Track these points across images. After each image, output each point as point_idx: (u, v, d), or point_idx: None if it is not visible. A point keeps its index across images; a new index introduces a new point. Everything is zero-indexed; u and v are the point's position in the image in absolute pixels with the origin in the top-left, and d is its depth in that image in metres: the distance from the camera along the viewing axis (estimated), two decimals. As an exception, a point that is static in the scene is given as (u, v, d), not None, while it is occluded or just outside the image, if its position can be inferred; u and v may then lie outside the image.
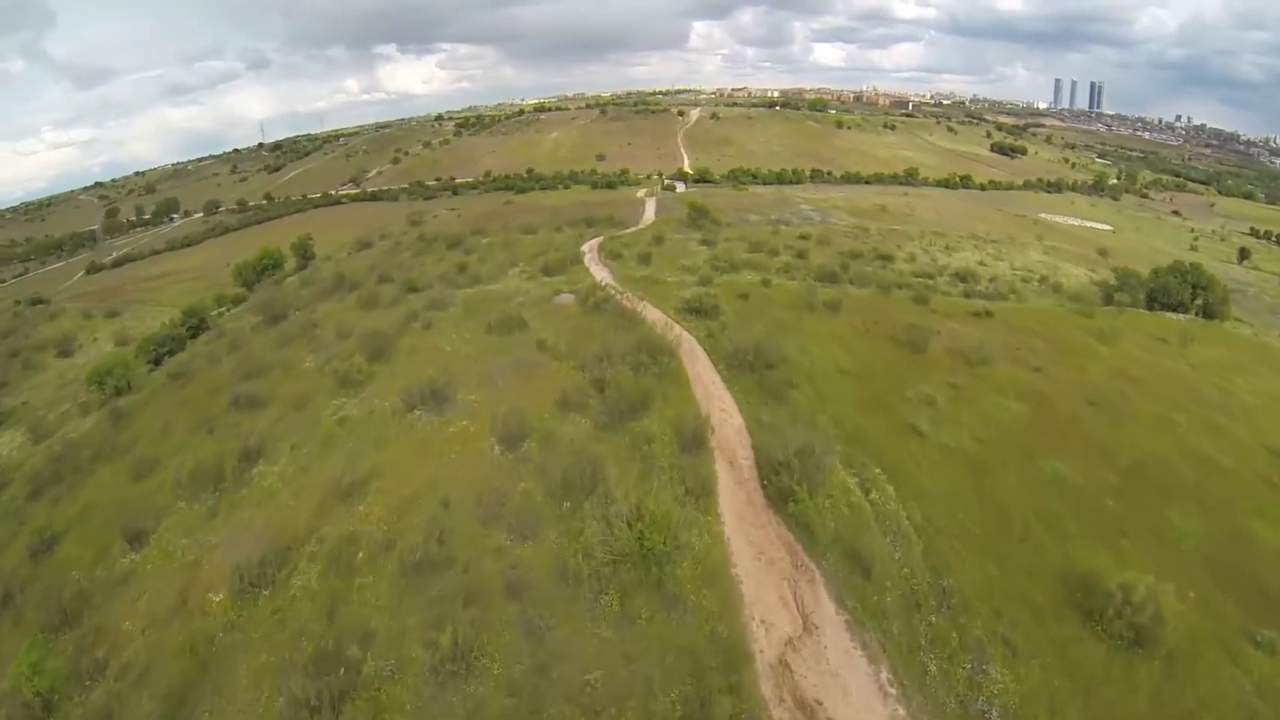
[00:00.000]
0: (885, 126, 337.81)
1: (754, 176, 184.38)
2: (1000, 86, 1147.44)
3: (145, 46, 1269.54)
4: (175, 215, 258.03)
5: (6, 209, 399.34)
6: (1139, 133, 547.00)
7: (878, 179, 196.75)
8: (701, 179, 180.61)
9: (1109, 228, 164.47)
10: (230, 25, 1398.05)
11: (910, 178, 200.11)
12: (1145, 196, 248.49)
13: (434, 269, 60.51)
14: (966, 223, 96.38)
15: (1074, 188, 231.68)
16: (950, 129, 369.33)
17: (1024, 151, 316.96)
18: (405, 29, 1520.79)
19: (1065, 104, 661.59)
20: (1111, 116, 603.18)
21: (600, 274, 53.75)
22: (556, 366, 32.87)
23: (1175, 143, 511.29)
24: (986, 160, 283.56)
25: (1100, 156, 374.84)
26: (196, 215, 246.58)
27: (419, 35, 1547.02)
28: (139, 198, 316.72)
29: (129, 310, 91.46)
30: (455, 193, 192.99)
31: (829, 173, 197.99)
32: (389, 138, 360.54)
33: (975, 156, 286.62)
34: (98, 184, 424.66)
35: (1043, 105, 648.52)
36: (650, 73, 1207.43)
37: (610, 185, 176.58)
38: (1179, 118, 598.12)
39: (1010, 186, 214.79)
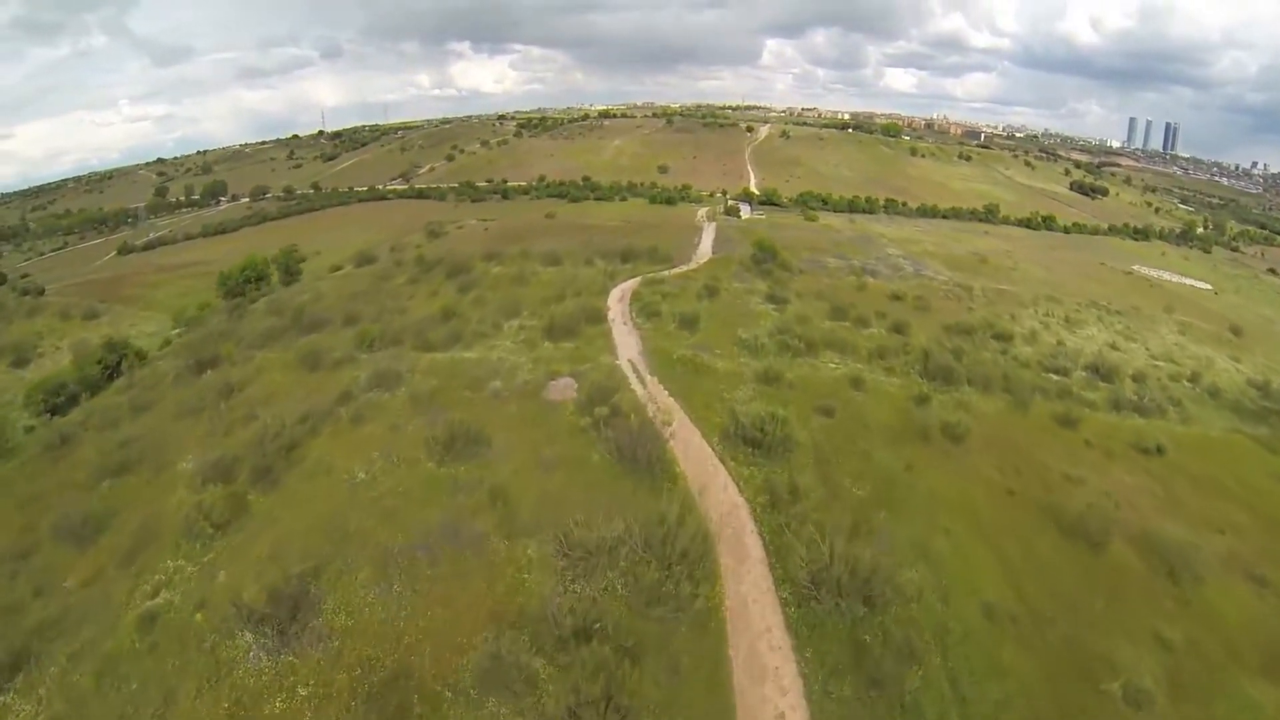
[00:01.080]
0: (960, 157, 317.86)
1: (824, 202, 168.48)
2: (1072, 122, 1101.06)
3: (223, 28, 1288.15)
4: (222, 198, 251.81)
5: (70, 178, 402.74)
6: (1217, 178, 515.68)
7: (955, 214, 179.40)
8: (768, 201, 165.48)
9: (1209, 287, 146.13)
10: (307, 13, 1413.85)
11: (990, 215, 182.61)
12: (1236, 250, 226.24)
13: (417, 309, 48.21)
14: (1079, 283, 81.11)
15: (1162, 236, 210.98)
16: (1028, 163, 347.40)
17: (1105, 192, 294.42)
18: (480, 28, 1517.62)
19: (1139, 144, 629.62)
20: (1187, 159, 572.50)
21: (625, 343, 40.57)
22: (504, 555, 20.00)
23: (1255, 190, 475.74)
24: (1066, 199, 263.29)
25: (1182, 202, 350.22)
26: (243, 200, 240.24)
27: (493, 35, 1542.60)
28: (195, 177, 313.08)
29: (110, 313, 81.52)
30: (505, 196, 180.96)
31: (904, 203, 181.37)
32: (446, 133, 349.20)
33: (1054, 195, 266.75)
34: (159, 159, 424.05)
35: (1116, 144, 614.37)
36: (720, 87, 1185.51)
37: (669, 201, 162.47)
38: (1255, 164, 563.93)
39: (1096, 230, 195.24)
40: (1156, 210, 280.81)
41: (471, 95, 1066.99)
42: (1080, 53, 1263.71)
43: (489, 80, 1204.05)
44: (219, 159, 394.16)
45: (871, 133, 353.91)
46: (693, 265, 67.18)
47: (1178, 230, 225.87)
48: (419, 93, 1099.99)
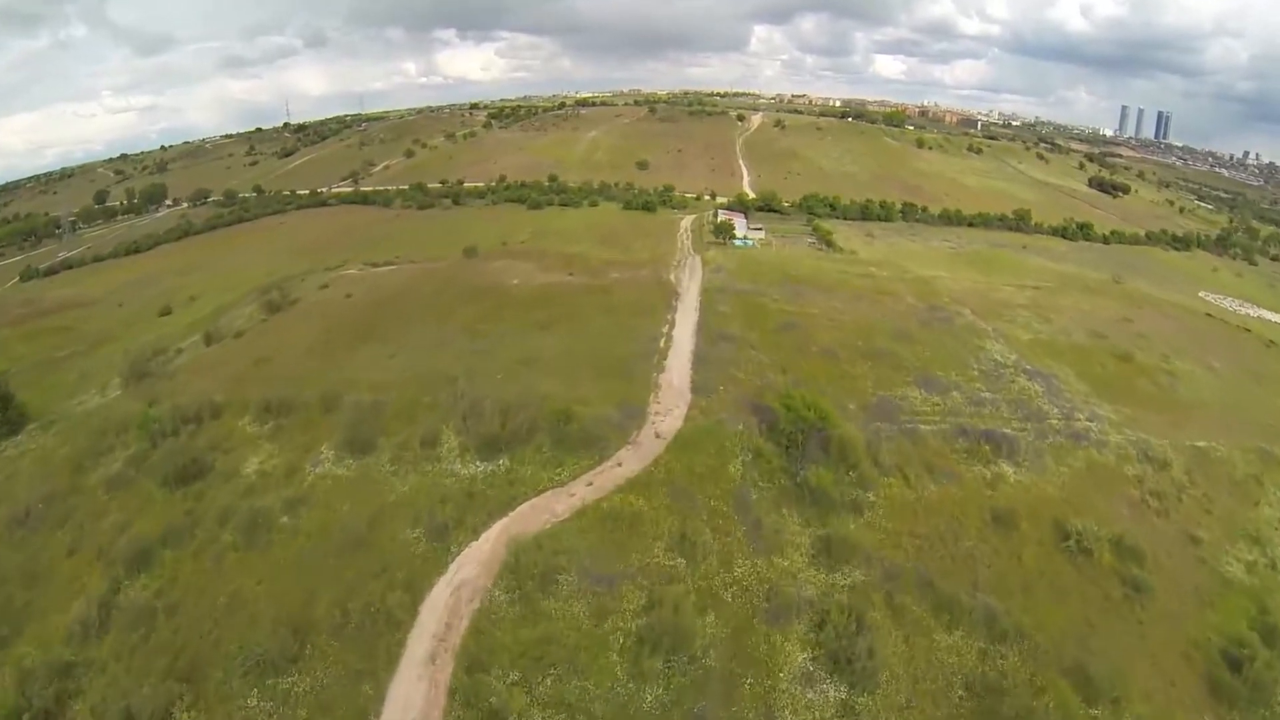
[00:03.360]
0: (970, 150, 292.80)
1: (832, 208, 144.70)
2: (1061, 110, 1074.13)
3: (205, 17, 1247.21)
4: (166, 201, 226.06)
5: (26, 179, 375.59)
6: (1216, 169, 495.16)
7: (983, 220, 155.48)
8: (767, 206, 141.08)
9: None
10: (291, 0, 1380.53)
11: (1022, 222, 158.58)
12: (1277, 259, 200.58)
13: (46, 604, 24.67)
14: (1254, 393, 55.93)
15: (1200, 243, 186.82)
16: (1039, 156, 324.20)
17: (1126, 190, 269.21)
18: (466, 14, 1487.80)
19: (1131, 132, 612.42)
20: (1181, 149, 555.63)
21: None
22: None
23: (1256, 183, 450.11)
24: (1086, 197, 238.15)
25: (1198, 199, 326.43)
26: (181, 206, 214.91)
27: (479, 22, 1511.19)
28: (150, 175, 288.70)
29: None
30: (457, 201, 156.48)
31: (923, 208, 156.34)
32: (409, 126, 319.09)
33: (1074, 193, 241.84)
34: (123, 155, 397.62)
35: (1108, 132, 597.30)
36: (709, 74, 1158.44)
37: (647, 206, 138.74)
38: (1247, 154, 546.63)
39: (1135, 239, 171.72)
40: (1181, 210, 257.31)
41: (459, 83, 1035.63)
42: (1070, 40, 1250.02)
43: (475, 68, 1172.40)
44: (177, 155, 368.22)
45: (873, 122, 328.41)
46: (645, 457, 37.54)
47: (1213, 236, 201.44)
48: (405, 81, 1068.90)
